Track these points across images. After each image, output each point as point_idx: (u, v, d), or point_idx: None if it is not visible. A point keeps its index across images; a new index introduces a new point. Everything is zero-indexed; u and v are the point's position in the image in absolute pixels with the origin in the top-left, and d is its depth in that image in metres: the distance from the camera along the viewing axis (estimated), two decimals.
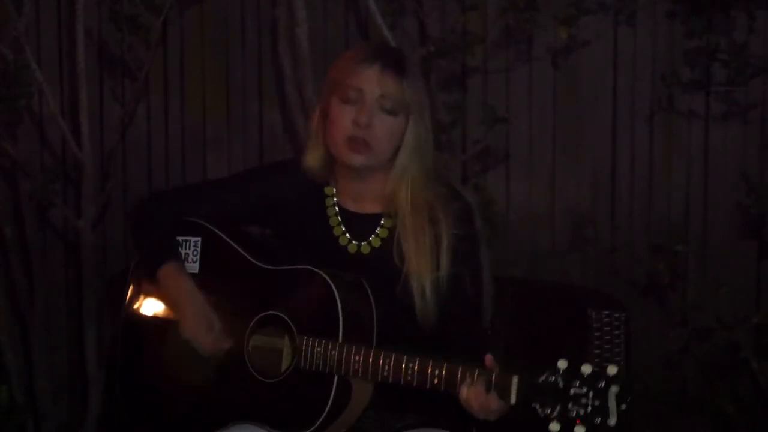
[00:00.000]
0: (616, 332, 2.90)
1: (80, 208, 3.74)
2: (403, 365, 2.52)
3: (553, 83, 3.76)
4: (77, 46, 3.62)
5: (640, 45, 3.73)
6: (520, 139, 3.78)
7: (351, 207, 2.76)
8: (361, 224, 2.74)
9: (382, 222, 2.73)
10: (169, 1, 3.63)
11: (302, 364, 2.60)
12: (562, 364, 2.38)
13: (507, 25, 3.66)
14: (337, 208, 2.76)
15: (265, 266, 2.72)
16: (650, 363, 3.67)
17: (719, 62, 3.63)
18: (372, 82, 2.64)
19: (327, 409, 2.58)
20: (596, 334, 2.89)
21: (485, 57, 3.70)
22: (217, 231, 2.79)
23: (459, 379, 2.47)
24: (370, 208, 2.75)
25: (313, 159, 2.74)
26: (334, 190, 2.77)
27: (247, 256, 2.75)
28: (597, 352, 2.89)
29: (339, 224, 2.75)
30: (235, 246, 2.77)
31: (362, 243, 2.74)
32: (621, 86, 3.75)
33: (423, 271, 2.65)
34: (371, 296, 2.64)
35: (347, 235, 2.75)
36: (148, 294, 2.82)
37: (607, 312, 2.90)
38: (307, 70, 3.63)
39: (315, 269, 2.64)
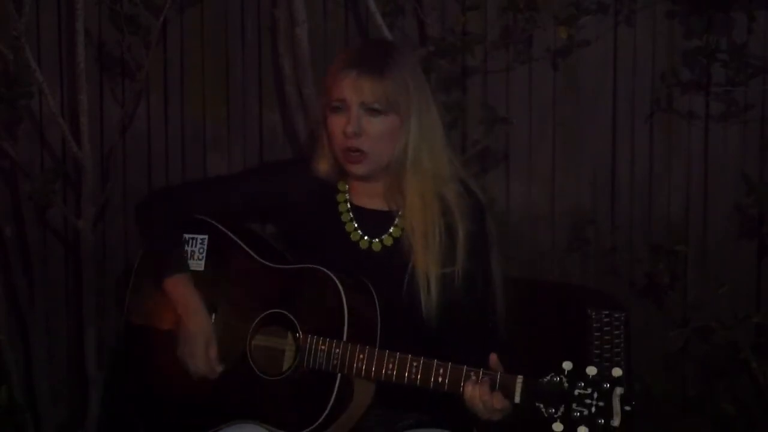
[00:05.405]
0: (616, 332, 2.91)
1: (80, 208, 3.74)
2: (407, 364, 2.53)
3: (552, 83, 3.76)
4: (77, 46, 3.62)
5: (639, 45, 3.73)
6: (520, 139, 3.77)
7: (364, 203, 2.76)
8: (375, 221, 2.75)
9: (396, 221, 2.74)
10: (168, 1, 3.62)
11: (305, 363, 2.62)
12: (567, 365, 2.40)
13: (507, 25, 3.67)
14: (349, 204, 2.77)
15: (272, 264, 2.72)
16: (650, 363, 3.67)
17: (719, 62, 3.63)
18: (351, 89, 2.65)
19: (329, 407, 2.58)
20: (596, 334, 2.90)
21: (485, 57, 3.70)
22: (224, 229, 2.80)
23: (463, 378, 2.48)
24: (383, 205, 2.76)
25: (323, 164, 2.75)
26: (347, 186, 2.77)
27: (254, 254, 2.75)
28: (597, 352, 2.90)
29: (351, 220, 2.76)
30: (242, 244, 2.78)
31: (374, 240, 2.74)
32: (621, 86, 3.75)
33: (430, 264, 2.66)
34: (376, 298, 2.65)
35: (359, 231, 2.75)
36: (151, 291, 2.82)
37: (606, 312, 2.91)
38: (307, 70, 3.63)
39: (322, 268, 2.64)
